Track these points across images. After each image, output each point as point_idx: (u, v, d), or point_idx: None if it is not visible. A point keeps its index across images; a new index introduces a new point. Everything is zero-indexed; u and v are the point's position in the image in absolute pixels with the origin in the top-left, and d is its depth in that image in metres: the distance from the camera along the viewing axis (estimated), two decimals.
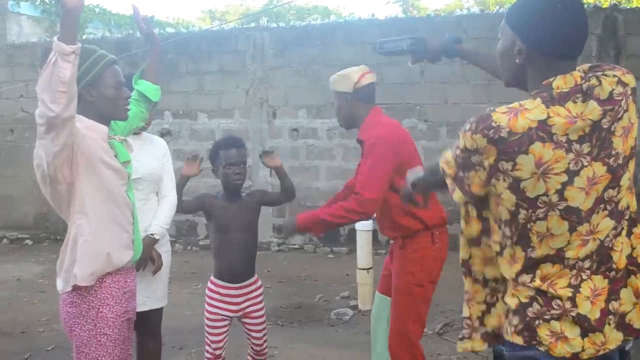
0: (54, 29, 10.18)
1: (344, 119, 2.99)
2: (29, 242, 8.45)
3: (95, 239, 2.20)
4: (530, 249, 1.55)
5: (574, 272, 1.53)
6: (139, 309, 2.80)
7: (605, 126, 1.50)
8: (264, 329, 3.15)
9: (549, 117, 1.47)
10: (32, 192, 8.05)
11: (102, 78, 2.26)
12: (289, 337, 4.50)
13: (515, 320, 1.58)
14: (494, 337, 1.71)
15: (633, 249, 1.60)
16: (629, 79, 1.56)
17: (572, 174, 1.48)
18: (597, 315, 1.52)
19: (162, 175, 3.12)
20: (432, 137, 7.35)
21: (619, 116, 1.52)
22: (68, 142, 2.06)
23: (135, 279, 2.44)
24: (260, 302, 3.13)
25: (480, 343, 1.73)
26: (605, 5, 7.13)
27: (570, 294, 1.52)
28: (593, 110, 1.49)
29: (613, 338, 1.55)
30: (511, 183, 1.50)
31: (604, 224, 1.54)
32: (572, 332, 1.52)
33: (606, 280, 1.55)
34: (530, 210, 1.51)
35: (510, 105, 1.53)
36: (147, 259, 2.97)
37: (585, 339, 1.51)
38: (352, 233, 5.78)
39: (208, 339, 3.08)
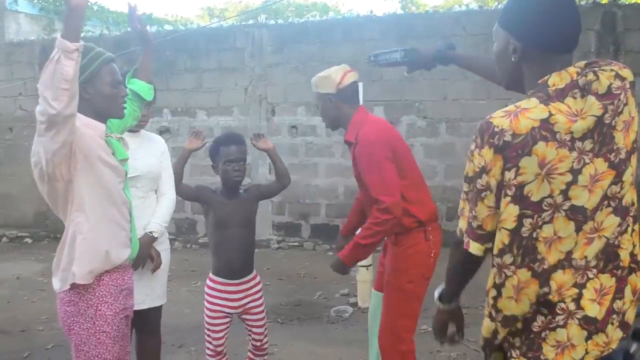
0: (52, 27, 10.18)
1: (329, 121, 2.98)
2: (29, 240, 8.45)
3: (94, 236, 2.20)
4: (537, 264, 1.51)
5: (580, 271, 1.51)
6: (138, 307, 2.80)
7: (607, 121, 1.49)
8: (264, 325, 3.15)
9: (550, 115, 1.46)
10: (31, 191, 8.03)
11: (99, 75, 2.25)
12: (289, 335, 4.50)
13: (518, 341, 1.56)
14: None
15: (634, 246, 1.59)
16: (627, 73, 1.56)
17: (576, 173, 1.47)
18: (603, 315, 1.51)
19: (160, 173, 3.11)
20: (431, 133, 7.35)
21: (619, 110, 1.51)
22: (68, 140, 2.05)
23: (132, 276, 2.44)
24: (260, 298, 3.13)
25: None
26: (604, 1, 7.12)
27: (575, 295, 1.50)
28: (592, 105, 1.48)
29: (616, 337, 1.53)
30: (514, 193, 1.48)
31: (609, 221, 1.52)
32: (579, 337, 1.49)
33: (613, 279, 1.54)
34: (535, 216, 1.48)
35: (506, 109, 1.52)
36: (146, 257, 2.97)
37: (589, 342, 1.50)
38: None
39: (209, 337, 3.08)
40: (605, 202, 1.51)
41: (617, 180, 1.52)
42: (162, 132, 8.05)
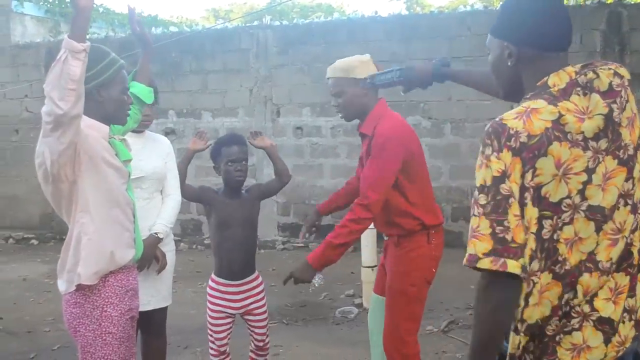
0: (57, 29, 10.20)
1: (352, 108, 2.82)
2: (35, 242, 8.48)
3: (99, 237, 2.21)
4: (559, 265, 1.48)
5: (606, 274, 1.49)
6: (143, 309, 2.81)
7: (616, 119, 1.49)
8: (266, 325, 3.16)
9: (560, 115, 1.45)
10: (37, 192, 8.00)
11: (114, 81, 2.28)
12: (294, 336, 4.50)
13: (531, 345, 1.53)
14: None
15: None
16: (624, 71, 1.56)
17: (590, 172, 1.46)
18: (619, 316, 1.49)
19: (165, 174, 3.11)
20: (436, 134, 7.34)
21: (623, 107, 1.51)
22: (74, 141, 2.06)
23: (137, 277, 2.45)
24: (262, 299, 3.14)
25: None
26: (610, 0, 7.10)
27: (589, 297, 1.49)
28: (597, 103, 1.48)
29: (630, 336, 1.52)
30: (533, 195, 1.45)
31: (629, 220, 1.51)
32: (595, 339, 1.48)
33: (628, 277, 1.52)
34: (555, 217, 1.46)
35: (516, 110, 1.50)
36: (152, 258, 2.97)
37: (609, 345, 1.48)
38: None
39: (212, 337, 3.10)
40: (622, 201, 1.50)
41: (629, 177, 1.51)
42: (167, 133, 8.07)
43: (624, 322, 1.52)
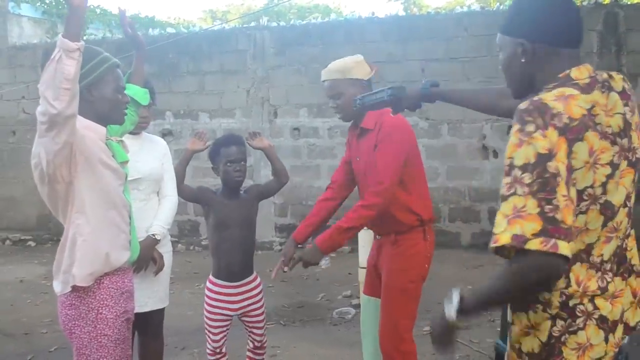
0: (54, 30, 10.20)
1: (351, 110, 2.80)
2: (32, 243, 8.46)
3: (94, 239, 2.20)
4: None
5: (599, 274, 1.51)
6: (140, 310, 2.81)
7: (629, 121, 1.53)
8: (264, 326, 3.16)
9: (593, 106, 1.47)
10: (34, 194, 7.98)
11: (105, 79, 2.27)
12: (292, 337, 4.49)
13: (537, 347, 1.55)
14: None
15: (631, 249, 1.61)
16: (627, 80, 1.61)
17: (614, 167, 1.47)
18: (618, 316, 1.52)
19: (162, 175, 3.11)
20: (433, 135, 7.34)
21: (633, 110, 1.55)
22: (69, 141, 2.06)
23: (132, 279, 2.44)
24: (260, 300, 3.14)
25: None
26: (606, 1, 7.11)
27: (591, 296, 1.50)
28: (616, 102, 1.51)
29: (621, 338, 1.55)
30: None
31: (625, 221, 1.54)
32: (597, 337, 1.49)
33: (624, 282, 1.55)
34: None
35: (553, 92, 1.47)
36: (149, 260, 2.96)
37: (608, 344, 1.50)
38: None
39: (208, 337, 3.10)
40: (624, 202, 1.53)
41: (634, 179, 1.54)
42: (164, 134, 8.06)
43: (620, 323, 1.54)
